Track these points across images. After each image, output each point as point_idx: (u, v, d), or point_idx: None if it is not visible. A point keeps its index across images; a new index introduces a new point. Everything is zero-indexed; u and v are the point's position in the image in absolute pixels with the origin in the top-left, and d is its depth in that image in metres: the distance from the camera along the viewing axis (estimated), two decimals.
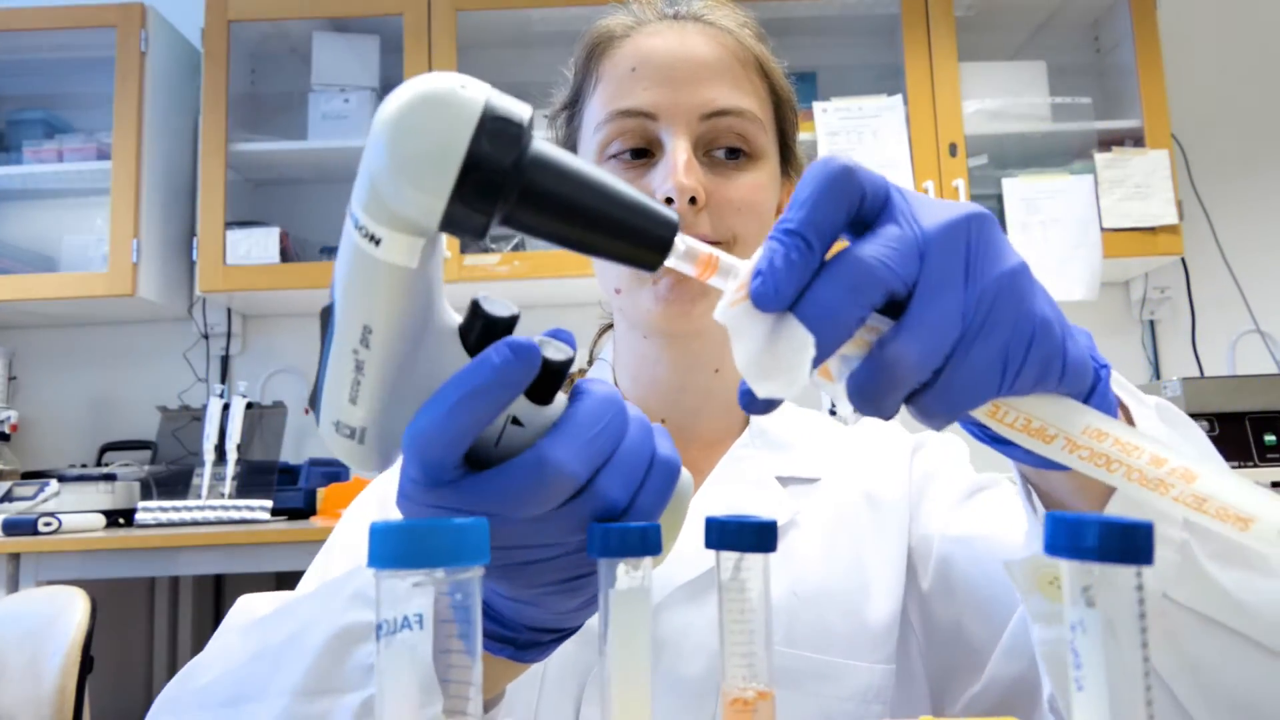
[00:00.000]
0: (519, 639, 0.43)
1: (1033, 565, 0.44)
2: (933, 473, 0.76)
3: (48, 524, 1.87)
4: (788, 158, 0.77)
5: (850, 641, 0.67)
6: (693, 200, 0.66)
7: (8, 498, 2.08)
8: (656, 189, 0.67)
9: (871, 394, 0.35)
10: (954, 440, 0.79)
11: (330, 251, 2.49)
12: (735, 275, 0.37)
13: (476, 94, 0.34)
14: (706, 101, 0.69)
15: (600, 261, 0.69)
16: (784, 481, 0.73)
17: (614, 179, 0.36)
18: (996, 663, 0.65)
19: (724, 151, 0.70)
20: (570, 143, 0.77)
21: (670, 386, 0.75)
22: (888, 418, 0.36)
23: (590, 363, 0.84)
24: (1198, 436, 0.48)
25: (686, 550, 0.66)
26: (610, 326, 0.85)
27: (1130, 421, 0.42)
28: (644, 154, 0.70)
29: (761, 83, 0.74)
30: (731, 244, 0.69)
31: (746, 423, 0.77)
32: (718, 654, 0.63)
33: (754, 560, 0.39)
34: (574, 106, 0.76)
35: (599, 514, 0.37)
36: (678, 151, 0.67)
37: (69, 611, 1.21)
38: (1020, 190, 2.28)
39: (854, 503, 0.74)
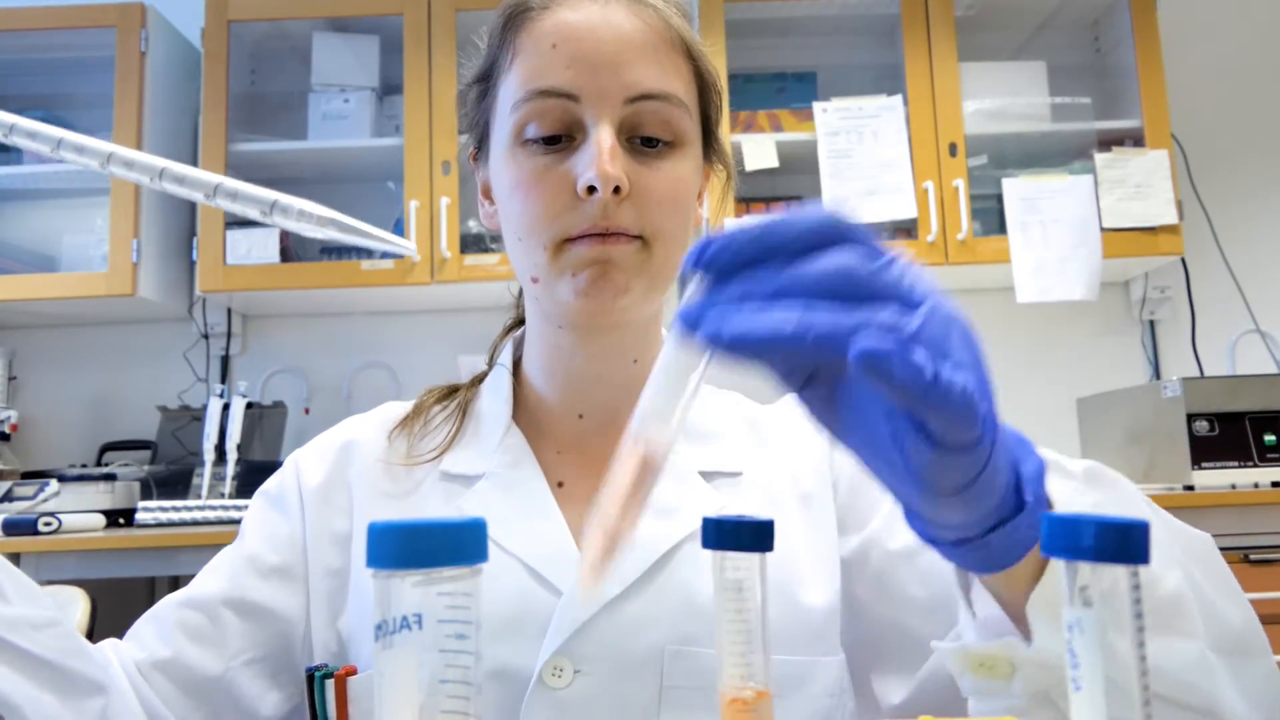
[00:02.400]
0: None
1: (962, 653, 0.47)
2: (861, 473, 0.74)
3: (48, 524, 1.88)
4: (710, 143, 0.74)
5: (797, 637, 0.66)
6: (616, 190, 0.63)
7: (8, 498, 2.08)
8: (579, 176, 0.63)
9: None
10: None
11: (330, 252, 2.50)
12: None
13: None
14: (632, 84, 0.65)
15: (518, 249, 0.68)
16: (708, 476, 0.71)
17: None
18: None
19: (644, 138, 0.66)
20: (482, 121, 0.73)
21: (586, 379, 0.73)
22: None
23: (490, 366, 0.80)
24: (1128, 495, 0.52)
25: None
26: (513, 328, 0.82)
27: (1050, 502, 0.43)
28: (558, 139, 0.66)
29: (686, 64, 0.69)
30: (653, 239, 0.66)
31: None
32: (659, 658, 0.62)
33: (751, 560, 0.39)
34: (487, 81, 0.72)
35: None
36: (602, 137, 0.63)
37: (69, 611, 1.21)
38: (1020, 190, 2.28)
39: (778, 495, 0.72)
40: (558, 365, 0.73)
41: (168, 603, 0.70)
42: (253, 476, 2.22)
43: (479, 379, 0.80)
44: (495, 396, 0.76)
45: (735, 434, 0.75)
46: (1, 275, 2.36)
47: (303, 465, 0.75)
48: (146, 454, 2.44)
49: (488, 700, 0.62)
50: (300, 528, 0.72)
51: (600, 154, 0.63)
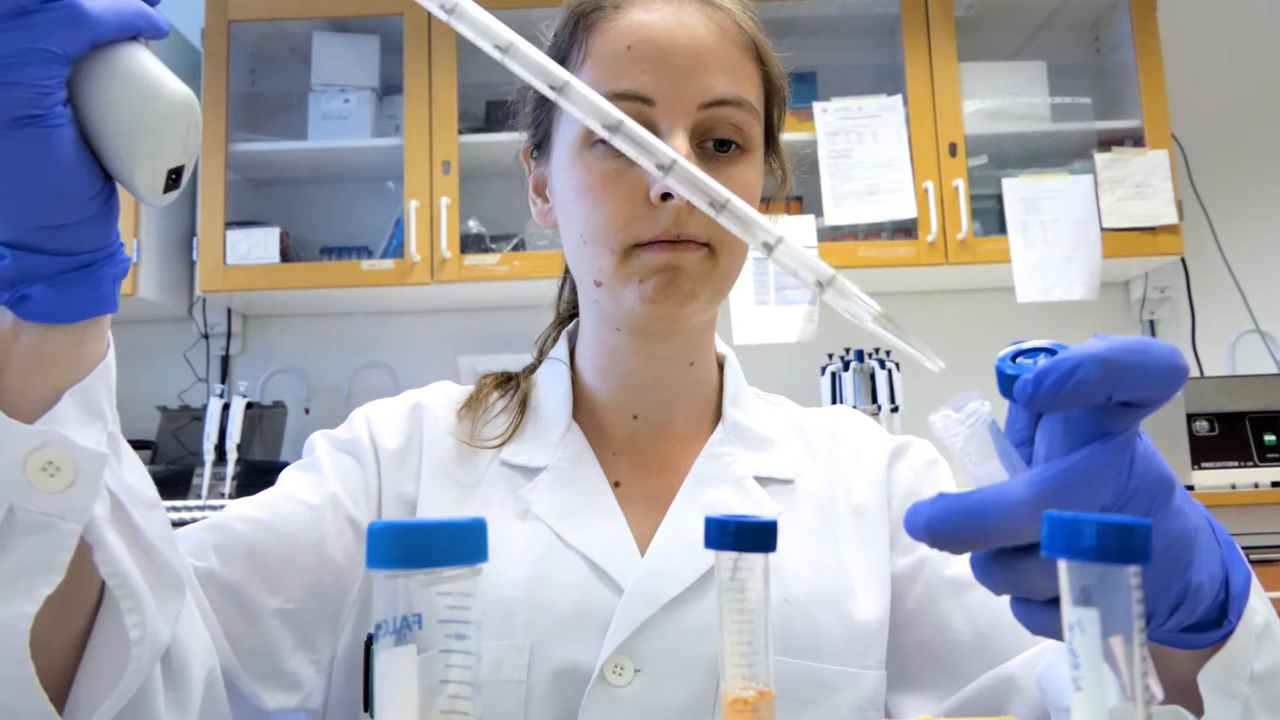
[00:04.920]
0: (5, 269, 0.41)
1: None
2: (917, 491, 0.74)
3: None
4: (770, 146, 0.74)
5: (843, 648, 0.66)
6: None
7: None
8: (654, 183, 0.63)
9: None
10: (933, 451, 0.77)
11: (330, 251, 2.50)
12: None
13: None
14: (706, 89, 0.64)
15: (582, 251, 0.67)
16: (762, 482, 0.72)
17: None
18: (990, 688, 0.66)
19: (716, 143, 0.66)
20: (545, 120, 0.72)
21: (643, 381, 0.73)
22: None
23: (539, 360, 0.80)
24: None
25: (676, 559, 0.66)
26: (563, 323, 0.82)
27: None
28: None
29: (756, 69, 0.69)
30: (720, 247, 0.66)
31: (718, 416, 0.75)
32: (716, 662, 0.63)
33: (754, 560, 0.39)
34: None
35: (62, 20, 0.38)
36: (677, 143, 0.63)
37: None
38: (1020, 190, 2.28)
39: (832, 504, 0.72)
40: (613, 366, 0.73)
41: (236, 517, 0.66)
42: (253, 476, 2.22)
43: (531, 369, 0.80)
44: (553, 392, 0.75)
45: (786, 441, 0.76)
46: None
47: (376, 425, 0.73)
48: (147, 454, 2.44)
49: (547, 695, 0.63)
50: (376, 485, 0.71)
51: None
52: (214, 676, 0.57)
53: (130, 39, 0.42)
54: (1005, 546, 0.38)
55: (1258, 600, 0.45)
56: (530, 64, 0.45)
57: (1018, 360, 0.39)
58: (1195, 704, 0.45)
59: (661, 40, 0.65)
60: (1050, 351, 0.39)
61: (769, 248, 0.42)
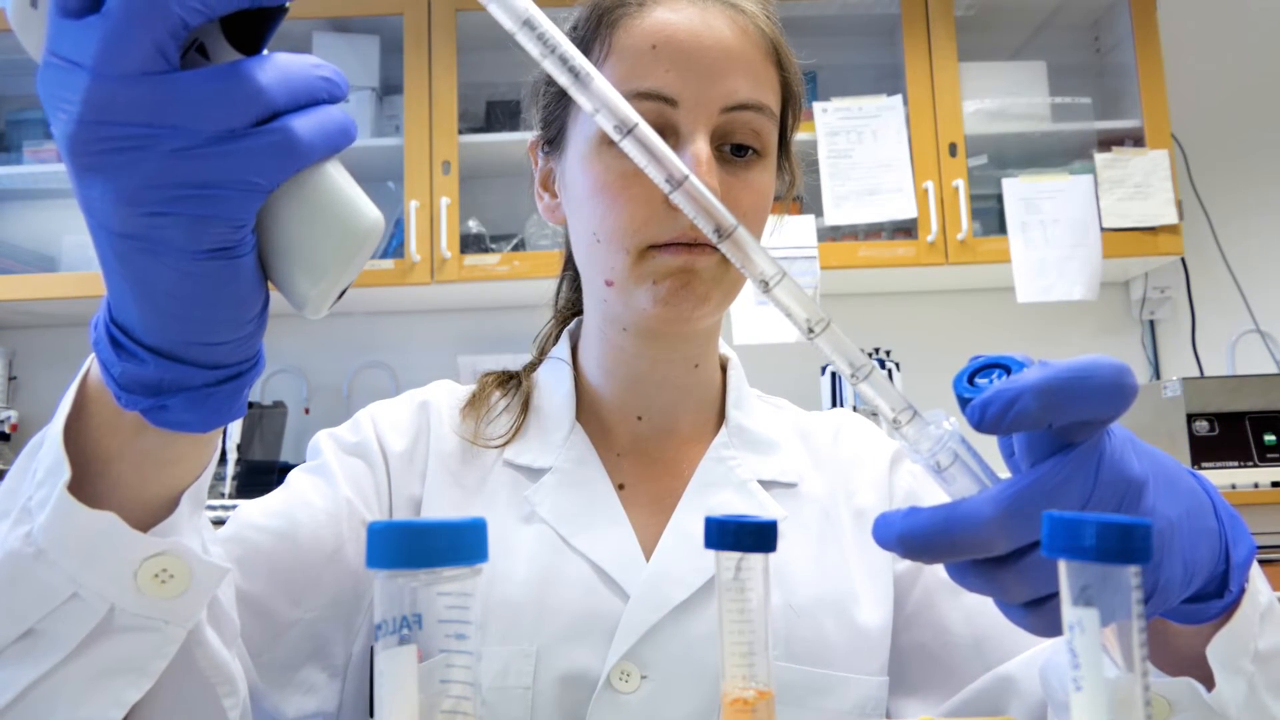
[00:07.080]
0: (147, 376, 0.38)
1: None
2: (918, 495, 0.74)
3: None
4: (782, 149, 0.73)
5: (847, 653, 0.66)
6: None
7: None
8: None
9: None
10: None
11: None
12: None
13: None
14: (729, 93, 0.64)
15: (594, 250, 0.66)
16: (766, 485, 0.72)
17: None
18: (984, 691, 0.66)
19: (733, 147, 0.65)
20: (560, 116, 0.71)
21: (649, 382, 0.73)
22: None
23: (539, 358, 0.79)
24: None
25: (682, 564, 0.66)
26: (564, 321, 0.81)
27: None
28: None
29: (776, 74, 0.69)
30: None
31: (721, 418, 0.75)
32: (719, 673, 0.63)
33: (754, 560, 0.39)
34: None
35: (274, 148, 0.36)
36: (699, 147, 0.62)
37: None
38: (1020, 190, 2.28)
39: (834, 508, 0.72)
40: (619, 366, 0.73)
41: (254, 528, 0.64)
42: (253, 476, 2.22)
43: (531, 367, 0.79)
44: (556, 391, 0.75)
45: (790, 444, 0.76)
46: (1, 275, 2.36)
47: (383, 427, 0.72)
48: None
49: (554, 701, 0.62)
50: (387, 488, 0.70)
51: (699, 166, 0.61)
52: (245, 706, 0.56)
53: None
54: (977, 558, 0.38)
55: (1260, 582, 0.45)
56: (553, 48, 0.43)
57: (975, 378, 0.40)
58: (1201, 680, 0.45)
59: (687, 41, 0.64)
60: (1006, 369, 0.39)
61: (765, 285, 0.40)
